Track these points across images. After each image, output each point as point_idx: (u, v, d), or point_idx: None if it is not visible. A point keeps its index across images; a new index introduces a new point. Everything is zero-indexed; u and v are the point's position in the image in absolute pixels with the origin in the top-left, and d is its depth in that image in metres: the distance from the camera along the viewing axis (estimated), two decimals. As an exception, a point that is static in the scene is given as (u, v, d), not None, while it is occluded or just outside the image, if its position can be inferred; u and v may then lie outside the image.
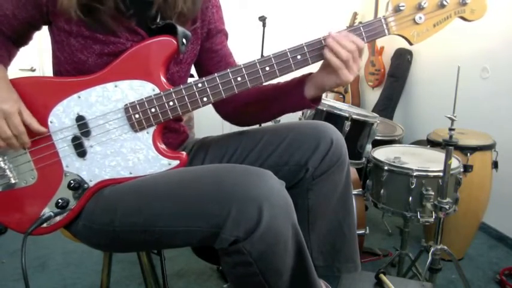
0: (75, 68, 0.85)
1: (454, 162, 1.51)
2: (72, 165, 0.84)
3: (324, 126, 0.95)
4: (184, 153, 0.87)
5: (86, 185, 0.84)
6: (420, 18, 0.85)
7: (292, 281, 0.76)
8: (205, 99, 0.84)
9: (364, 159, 1.87)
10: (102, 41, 0.83)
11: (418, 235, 2.00)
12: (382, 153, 1.66)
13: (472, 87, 2.15)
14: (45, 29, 0.89)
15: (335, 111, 1.78)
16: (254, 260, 0.70)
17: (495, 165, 1.75)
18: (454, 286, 1.68)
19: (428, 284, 1.09)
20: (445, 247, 1.42)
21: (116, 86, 0.83)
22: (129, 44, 0.84)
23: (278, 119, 1.08)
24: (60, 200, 0.83)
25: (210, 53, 0.99)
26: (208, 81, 0.83)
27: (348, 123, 1.76)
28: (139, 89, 0.83)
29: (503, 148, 1.79)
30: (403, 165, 1.51)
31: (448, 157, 1.31)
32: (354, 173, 1.69)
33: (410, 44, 0.87)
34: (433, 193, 1.44)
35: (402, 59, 2.89)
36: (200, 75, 1.03)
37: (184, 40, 0.83)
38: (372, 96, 3.27)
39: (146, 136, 0.84)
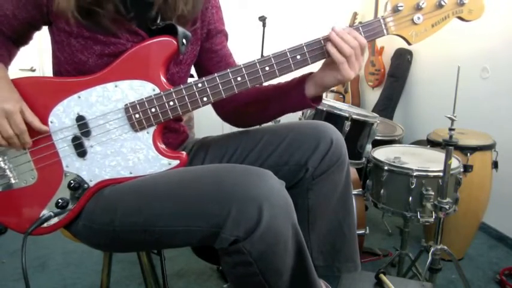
0: (76, 68, 0.85)
1: (454, 162, 1.51)
2: (72, 165, 0.84)
3: (323, 126, 0.95)
4: (184, 153, 0.87)
5: (86, 185, 0.84)
6: (418, 18, 0.85)
7: (292, 281, 0.76)
8: (205, 99, 0.84)
9: (364, 159, 1.87)
10: (103, 41, 0.83)
11: (418, 235, 2.00)
12: (382, 153, 1.66)
13: (472, 87, 2.15)
14: (45, 29, 0.89)
15: (335, 111, 1.78)
16: (254, 259, 0.70)
17: (495, 165, 1.75)
18: (454, 286, 1.68)
19: (428, 284, 1.09)
20: (445, 247, 1.42)
21: (116, 86, 0.83)
22: (130, 45, 0.84)
23: (278, 119, 1.08)
24: (60, 200, 0.83)
25: (209, 54, 0.99)
26: (208, 81, 0.83)
27: (348, 123, 1.76)
28: (139, 89, 0.83)
29: (503, 148, 1.79)
30: (403, 165, 1.51)
31: (448, 157, 1.31)
32: (354, 173, 1.69)
33: (409, 44, 0.88)
34: (433, 193, 1.44)
35: (402, 59, 2.89)
36: (200, 76, 1.03)
37: (184, 40, 0.84)
38: (372, 96, 3.27)
39: (146, 136, 0.84)
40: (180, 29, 0.83)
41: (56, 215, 0.83)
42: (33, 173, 0.84)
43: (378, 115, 1.91)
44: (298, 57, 0.83)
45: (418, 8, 0.84)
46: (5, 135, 0.78)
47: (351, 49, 0.81)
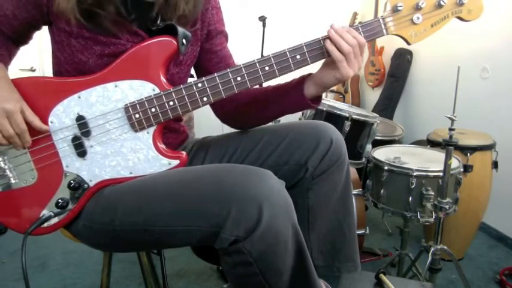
0: (76, 68, 0.85)
1: (454, 162, 1.51)
2: (72, 165, 0.84)
3: (323, 126, 0.95)
4: (184, 153, 0.87)
5: (86, 185, 0.84)
6: (418, 18, 0.85)
7: (292, 281, 0.76)
8: (205, 99, 0.84)
9: (364, 159, 1.87)
10: (103, 42, 0.83)
11: (418, 235, 2.00)
12: (382, 153, 1.66)
13: (472, 87, 2.15)
14: (45, 29, 0.89)
15: (335, 111, 1.78)
16: (254, 259, 0.70)
17: (495, 165, 1.75)
18: (454, 286, 1.68)
19: (428, 284, 1.09)
20: (445, 247, 1.42)
21: (116, 86, 0.83)
22: (130, 45, 0.85)
23: (278, 119, 1.08)
24: (60, 200, 0.83)
25: (209, 54, 0.99)
26: (208, 81, 0.83)
27: (348, 123, 1.76)
28: (139, 89, 0.83)
29: (503, 148, 1.79)
30: (403, 165, 1.51)
31: (448, 157, 1.31)
32: (354, 173, 1.69)
33: (408, 44, 0.88)
34: (433, 193, 1.44)
35: (402, 59, 2.89)
36: (199, 77, 1.02)
37: (184, 40, 0.84)
38: (372, 96, 3.27)
39: (146, 136, 0.85)
40: (180, 29, 0.83)
41: (56, 215, 0.83)
42: (33, 173, 0.84)
43: (377, 115, 1.91)
44: (298, 57, 0.83)
45: (417, 8, 0.84)
46: (6, 135, 0.78)
47: (349, 47, 0.81)
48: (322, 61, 0.87)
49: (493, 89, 2.10)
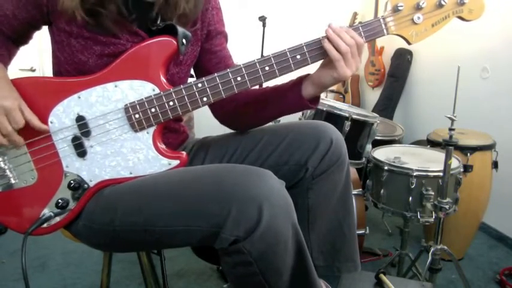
0: (76, 68, 0.85)
1: (454, 162, 1.51)
2: (72, 165, 0.84)
3: (323, 126, 0.95)
4: (184, 153, 0.87)
5: (86, 185, 0.84)
6: (418, 18, 0.85)
7: (292, 281, 0.76)
8: (205, 99, 0.84)
9: (364, 159, 1.87)
10: (103, 42, 0.83)
11: (418, 235, 2.00)
12: (382, 153, 1.66)
13: (472, 87, 2.15)
14: (45, 29, 0.89)
15: (335, 111, 1.78)
16: (254, 259, 0.70)
17: (495, 165, 1.75)
18: (454, 286, 1.68)
19: (428, 284, 1.09)
20: (445, 247, 1.42)
21: (116, 86, 0.83)
22: (129, 45, 0.84)
23: (278, 119, 1.08)
24: (60, 200, 0.83)
25: (209, 55, 0.99)
26: (208, 81, 0.83)
27: (348, 123, 1.76)
28: (139, 89, 0.83)
29: (503, 148, 1.79)
30: (403, 165, 1.51)
31: (448, 157, 1.31)
32: (354, 173, 1.69)
33: (409, 43, 0.88)
34: (433, 193, 1.44)
35: (402, 59, 2.89)
36: (198, 77, 1.02)
37: (184, 40, 0.84)
38: (372, 96, 3.27)
39: (146, 136, 0.84)
40: (180, 29, 0.83)
41: (56, 215, 0.83)
42: (33, 173, 0.84)
43: (377, 115, 1.91)
44: (298, 57, 0.83)
45: (418, 8, 0.84)
46: (4, 132, 0.78)
47: (347, 46, 0.81)
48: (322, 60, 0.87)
49: (493, 89, 2.10)
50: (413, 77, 2.88)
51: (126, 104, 0.83)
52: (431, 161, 1.56)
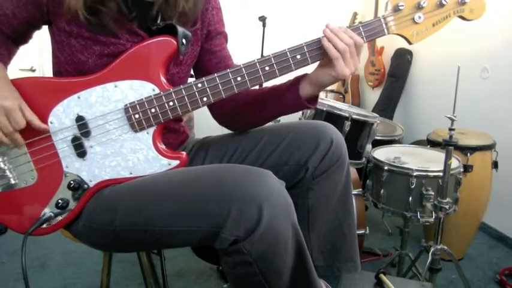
0: (75, 68, 0.85)
1: (454, 162, 1.51)
2: (72, 165, 0.84)
3: (323, 126, 0.95)
4: (184, 153, 0.87)
5: (85, 186, 0.84)
6: (419, 17, 0.85)
7: (292, 281, 0.76)
8: (205, 99, 0.84)
9: (364, 159, 1.87)
10: (103, 42, 0.83)
11: (418, 235, 2.00)
12: (382, 153, 1.66)
13: (472, 87, 2.15)
14: (45, 29, 0.89)
15: (335, 111, 1.78)
16: (254, 260, 0.70)
17: (495, 165, 1.75)
18: (454, 286, 1.68)
19: (428, 284, 1.09)
20: (445, 247, 1.42)
21: (115, 86, 0.83)
22: (129, 45, 0.84)
23: (278, 119, 1.08)
24: (60, 201, 0.83)
25: (208, 55, 0.99)
26: (208, 81, 0.83)
27: (348, 123, 1.76)
28: (139, 89, 0.83)
29: (503, 148, 1.79)
30: (403, 165, 1.51)
31: (448, 157, 1.31)
32: (354, 173, 1.69)
33: (410, 43, 0.87)
34: (433, 193, 1.44)
35: (402, 59, 2.89)
36: (198, 77, 1.02)
37: (184, 40, 0.83)
38: (372, 96, 3.27)
39: (146, 136, 0.84)
40: (180, 29, 0.83)
41: (56, 215, 0.83)
42: (33, 174, 0.84)
43: (377, 115, 1.91)
44: (298, 57, 0.83)
45: (419, 7, 0.84)
46: (5, 132, 0.78)
47: (345, 45, 0.81)
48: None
49: (493, 89, 2.10)
50: (413, 77, 2.88)
51: (126, 104, 0.83)
52: (431, 161, 1.56)
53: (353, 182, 1.57)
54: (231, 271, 0.75)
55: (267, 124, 1.03)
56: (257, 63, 0.83)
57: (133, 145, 0.84)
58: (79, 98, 0.82)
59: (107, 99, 0.83)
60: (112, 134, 0.84)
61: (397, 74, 2.93)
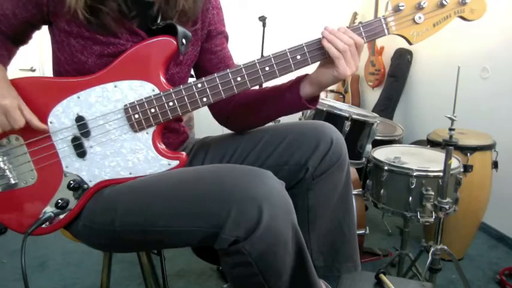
0: (75, 68, 0.85)
1: (454, 162, 1.51)
2: (71, 165, 0.84)
3: (323, 126, 0.95)
4: (184, 153, 0.87)
5: (85, 186, 0.84)
6: (420, 18, 0.85)
7: (292, 281, 0.76)
8: (205, 99, 0.84)
9: (364, 159, 1.87)
10: (102, 42, 0.83)
11: (418, 235, 2.00)
12: (382, 153, 1.66)
13: (472, 87, 2.15)
14: (45, 29, 0.89)
15: (335, 111, 1.78)
16: (254, 260, 0.70)
17: (495, 165, 1.75)
18: (454, 286, 1.68)
19: (428, 284, 1.09)
20: (445, 247, 1.42)
21: (115, 87, 0.82)
22: (129, 45, 0.84)
23: (278, 119, 1.07)
24: (60, 201, 0.83)
25: (209, 54, 0.99)
26: (208, 82, 0.83)
27: (348, 123, 1.76)
28: (138, 89, 0.83)
29: (503, 148, 1.79)
30: (403, 165, 1.51)
31: (448, 157, 1.31)
32: (354, 173, 1.69)
33: (410, 43, 0.87)
34: (433, 193, 1.44)
35: (402, 59, 2.89)
36: (198, 77, 1.02)
37: (184, 40, 0.83)
38: (372, 96, 3.27)
39: (146, 136, 0.84)
40: (180, 29, 0.83)
41: (55, 215, 0.83)
42: (33, 174, 0.84)
43: (377, 115, 1.91)
44: (299, 57, 0.83)
45: (419, 8, 0.84)
46: (5, 129, 0.79)
47: (345, 45, 0.81)
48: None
49: (493, 89, 2.10)
50: (413, 77, 2.88)
51: (126, 105, 0.82)
52: (431, 161, 1.56)
53: (353, 182, 1.57)
54: (231, 271, 0.75)
55: (267, 124, 1.03)
56: (257, 64, 0.83)
57: (133, 145, 0.84)
58: (79, 98, 0.82)
59: (107, 99, 0.83)
60: (112, 134, 0.84)
61: (397, 74, 2.93)
